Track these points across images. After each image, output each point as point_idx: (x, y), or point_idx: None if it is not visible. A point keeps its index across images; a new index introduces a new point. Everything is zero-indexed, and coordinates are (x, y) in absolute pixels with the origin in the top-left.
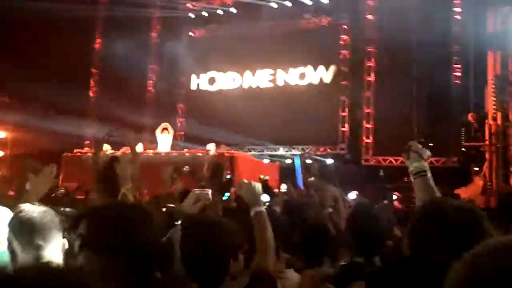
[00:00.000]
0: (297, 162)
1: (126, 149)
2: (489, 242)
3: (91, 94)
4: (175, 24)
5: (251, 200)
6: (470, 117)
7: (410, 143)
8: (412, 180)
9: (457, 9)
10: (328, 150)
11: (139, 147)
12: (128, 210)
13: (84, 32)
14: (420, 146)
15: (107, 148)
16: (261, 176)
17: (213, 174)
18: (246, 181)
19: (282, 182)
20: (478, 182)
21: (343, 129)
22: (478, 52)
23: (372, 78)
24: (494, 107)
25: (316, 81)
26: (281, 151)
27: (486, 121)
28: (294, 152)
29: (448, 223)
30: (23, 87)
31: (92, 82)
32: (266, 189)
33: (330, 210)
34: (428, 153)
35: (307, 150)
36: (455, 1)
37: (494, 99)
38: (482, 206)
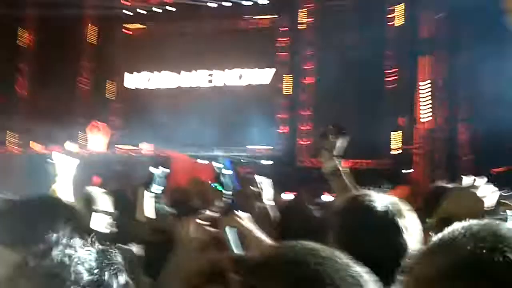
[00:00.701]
0: (228, 165)
1: (57, 148)
2: None
3: (18, 90)
4: (110, 21)
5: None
6: (401, 121)
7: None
8: (329, 179)
9: (392, 14)
10: (264, 151)
11: (74, 147)
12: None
13: (13, 29)
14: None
15: (35, 146)
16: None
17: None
18: (200, 179)
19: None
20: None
21: (280, 131)
22: (411, 57)
23: (309, 81)
24: (423, 111)
25: (254, 83)
26: (217, 152)
27: (415, 125)
28: (232, 154)
29: (368, 217)
30: None
31: (20, 79)
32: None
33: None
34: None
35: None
36: (389, 7)
37: (424, 103)
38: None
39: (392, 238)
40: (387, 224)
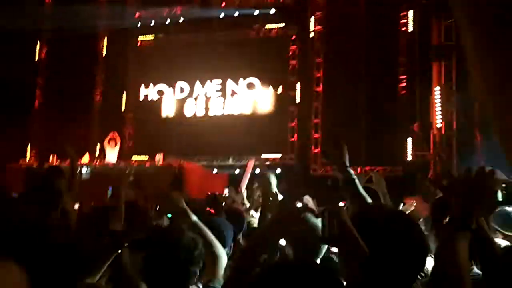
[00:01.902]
0: (251, 165)
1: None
2: None
3: (36, 103)
4: (123, 33)
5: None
6: (415, 127)
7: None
8: (343, 189)
9: (403, 21)
10: (277, 160)
11: (85, 158)
12: None
13: (29, 43)
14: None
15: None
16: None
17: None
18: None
19: (226, 187)
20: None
21: (292, 139)
22: (423, 63)
23: (320, 88)
24: (438, 117)
25: (265, 91)
26: (230, 161)
27: (431, 130)
28: (243, 163)
29: (378, 230)
30: None
31: (37, 92)
32: (214, 203)
33: None
34: (344, 156)
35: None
36: (401, 14)
37: (439, 109)
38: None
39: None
40: (397, 236)
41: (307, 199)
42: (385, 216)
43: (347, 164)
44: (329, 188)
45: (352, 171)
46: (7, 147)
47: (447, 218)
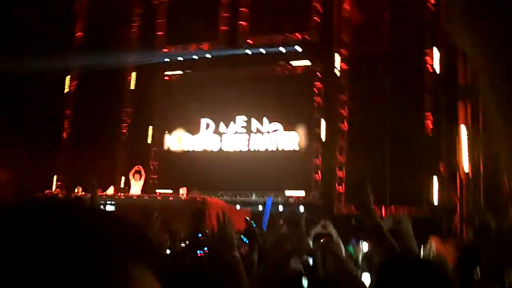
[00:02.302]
0: (269, 203)
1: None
2: None
3: (64, 135)
4: (150, 68)
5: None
6: (440, 167)
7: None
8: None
9: (429, 60)
10: (301, 197)
11: (110, 190)
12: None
13: (58, 75)
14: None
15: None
16: (247, 218)
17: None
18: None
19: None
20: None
21: (316, 176)
22: (449, 103)
23: (345, 126)
24: (465, 158)
25: (290, 128)
26: (254, 197)
27: (457, 171)
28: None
29: (405, 279)
30: None
31: (65, 124)
32: (252, 233)
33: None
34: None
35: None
36: (427, 51)
37: (465, 150)
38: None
39: None
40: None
41: (327, 223)
42: (412, 265)
43: (371, 207)
44: (354, 227)
45: (377, 216)
46: (34, 178)
47: (477, 269)
